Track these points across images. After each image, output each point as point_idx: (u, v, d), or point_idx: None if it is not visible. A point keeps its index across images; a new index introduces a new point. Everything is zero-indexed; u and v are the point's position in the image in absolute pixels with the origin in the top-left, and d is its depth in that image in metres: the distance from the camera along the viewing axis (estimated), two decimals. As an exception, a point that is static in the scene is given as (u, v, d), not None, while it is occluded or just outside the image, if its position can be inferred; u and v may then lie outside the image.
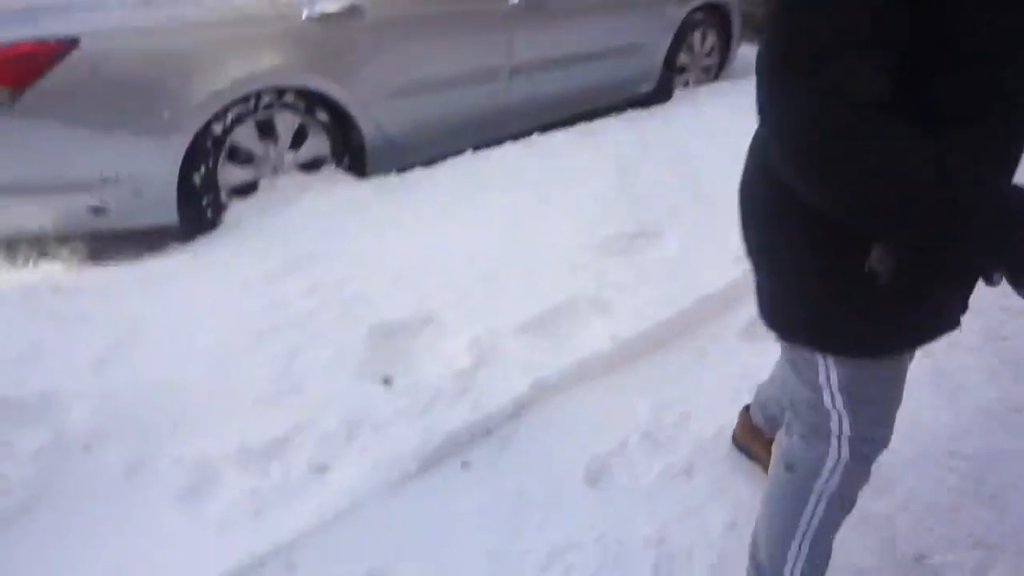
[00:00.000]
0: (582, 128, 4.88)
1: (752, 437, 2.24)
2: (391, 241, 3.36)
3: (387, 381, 2.57)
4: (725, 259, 3.22)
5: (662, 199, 3.82)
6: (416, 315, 2.88)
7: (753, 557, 1.73)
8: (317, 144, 3.90)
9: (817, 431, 1.48)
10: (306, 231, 3.40)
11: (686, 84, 6.09)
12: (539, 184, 3.94)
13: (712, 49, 6.18)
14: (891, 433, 1.48)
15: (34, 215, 3.25)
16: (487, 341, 2.74)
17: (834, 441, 1.45)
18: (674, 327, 2.95)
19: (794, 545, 1.55)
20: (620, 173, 4.04)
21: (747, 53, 6.21)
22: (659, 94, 5.82)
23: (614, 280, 3.15)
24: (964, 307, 1.37)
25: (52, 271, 3.12)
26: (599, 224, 3.54)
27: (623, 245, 3.44)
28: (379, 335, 2.76)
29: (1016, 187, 1.01)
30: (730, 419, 2.39)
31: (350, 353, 2.65)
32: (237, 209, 3.68)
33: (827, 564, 1.62)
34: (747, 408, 2.28)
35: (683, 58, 5.95)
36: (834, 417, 1.43)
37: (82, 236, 3.43)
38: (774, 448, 1.67)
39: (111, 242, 3.54)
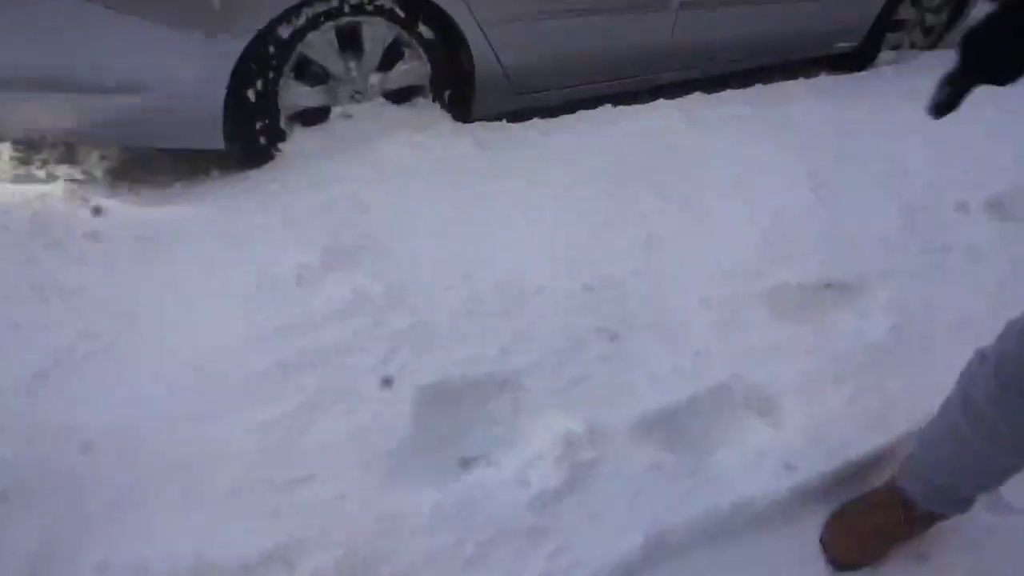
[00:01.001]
0: (758, 93, 3.66)
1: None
2: (484, 233, 2.41)
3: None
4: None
5: (867, 230, 2.67)
6: (491, 372, 1.96)
7: None
8: (413, 69, 2.92)
9: None
10: (378, 197, 2.48)
11: (896, 47, 4.64)
12: (696, 169, 2.85)
13: (944, 1, 4.65)
14: None
15: (54, 116, 2.45)
16: (587, 446, 1.80)
17: None
18: (878, 463, 1.91)
19: None
20: (811, 177, 2.88)
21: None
22: (859, 56, 4.44)
23: (787, 362, 2.11)
24: None
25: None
26: (769, 260, 2.46)
27: (803, 300, 2.37)
28: (430, 401, 1.88)
29: None
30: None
31: (383, 434, 1.77)
32: (298, 141, 2.79)
33: None
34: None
35: (904, 10, 4.48)
36: None
37: (105, 148, 2.66)
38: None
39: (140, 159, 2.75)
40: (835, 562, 1.71)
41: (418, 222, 2.39)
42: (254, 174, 2.67)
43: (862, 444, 1.89)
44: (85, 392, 1.79)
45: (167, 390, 1.79)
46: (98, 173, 2.73)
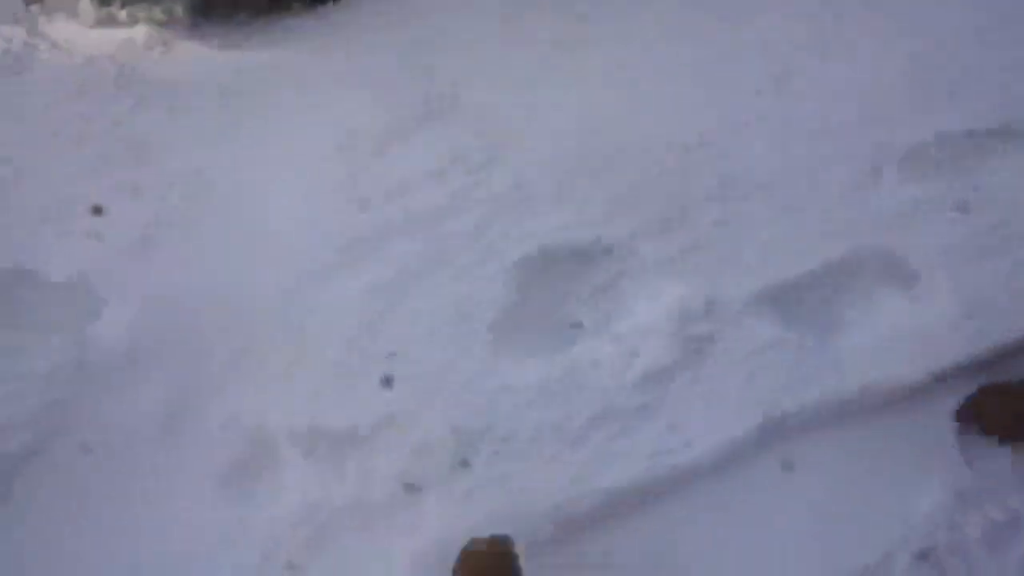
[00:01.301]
0: None
1: None
2: (585, 85, 2.16)
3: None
4: None
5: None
6: (597, 237, 1.83)
7: None
8: None
9: None
10: (467, 39, 2.24)
11: None
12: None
13: None
14: None
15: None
16: (702, 319, 1.69)
17: None
18: None
19: None
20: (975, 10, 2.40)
21: None
22: None
23: (929, 229, 1.87)
24: None
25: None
26: (912, 106, 2.12)
27: (951, 153, 2.06)
28: (532, 269, 1.77)
29: None
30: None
31: (486, 304, 1.70)
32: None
33: None
34: None
35: None
36: None
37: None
38: None
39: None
40: (984, 431, 1.58)
41: (512, 70, 2.16)
42: (334, 12, 2.45)
43: (1015, 325, 1.68)
44: (192, 256, 1.78)
45: (269, 256, 1.76)
46: (179, 11, 2.56)
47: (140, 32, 2.30)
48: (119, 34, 2.32)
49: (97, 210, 1.77)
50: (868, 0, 2.32)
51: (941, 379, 1.62)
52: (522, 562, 1.32)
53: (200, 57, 2.20)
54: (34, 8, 2.48)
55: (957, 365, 1.63)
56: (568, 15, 2.33)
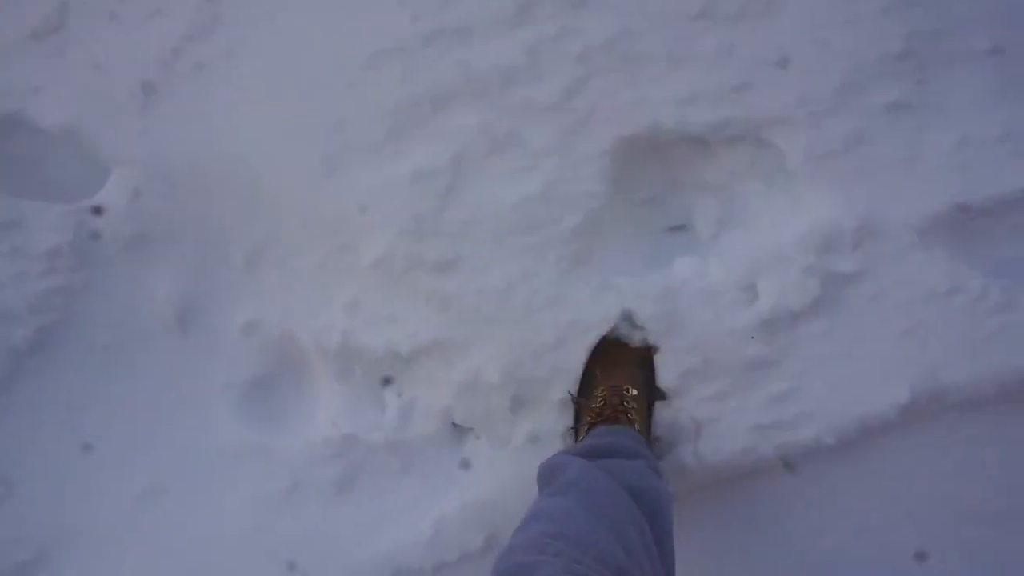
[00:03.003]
0: None
1: None
2: None
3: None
4: None
5: None
6: (724, 118, 1.37)
7: None
8: None
9: None
10: None
11: None
12: None
13: None
14: None
15: None
16: (850, 249, 1.27)
17: None
18: None
19: None
20: None
21: None
22: None
23: None
24: None
25: None
26: None
27: None
28: (631, 157, 1.36)
29: None
30: None
31: (564, 203, 1.32)
32: None
33: None
34: None
35: None
36: None
37: None
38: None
39: None
40: None
41: None
42: None
43: None
44: (208, 115, 1.44)
45: (299, 122, 1.40)
46: None
47: None
48: None
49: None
50: None
51: None
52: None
53: None
54: None
55: None
56: None
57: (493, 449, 1.29)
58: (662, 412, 1.28)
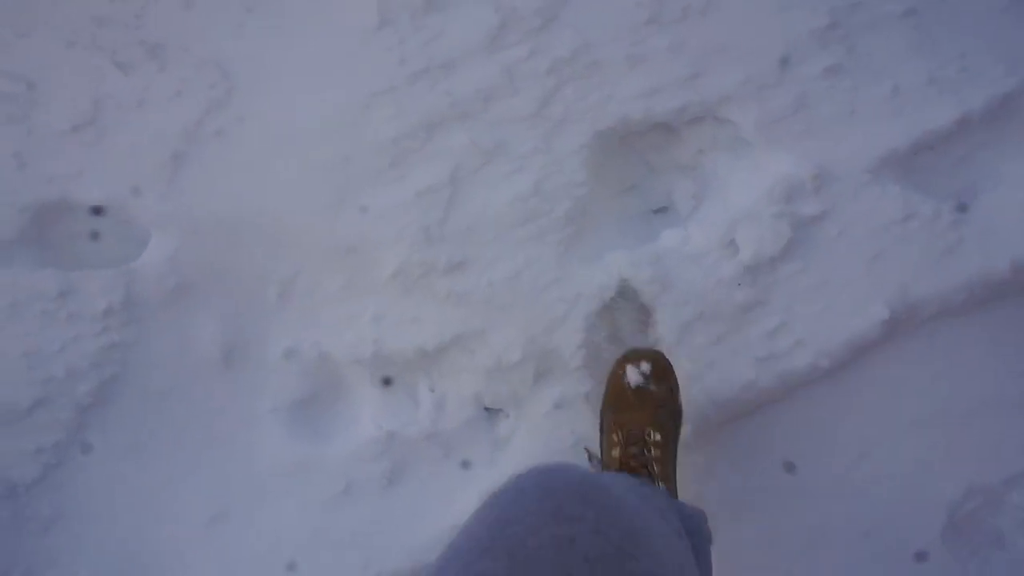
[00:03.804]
0: None
1: None
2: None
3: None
4: None
5: None
6: (682, 105, 1.56)
7: None
8: None
9: None
10: None
11: None
12: None
13: None
14: None
15: None
16: (811, 196, 1.43)
17: None
18: None
19: None
20: None
21: None
22: None
23: None
24: None
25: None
26: None
27: None
28: (608, 149, 1.54)
29: None
30: None
31: (554, 196, 1.49)
32: None
33: None
34: None
35: None
36: None
37: None
38: None
39: None
40: None
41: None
42: None
43: None
44: (229, 172, 1.63)
45: (310, 164, 1.59)
46: None
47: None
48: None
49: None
50: None
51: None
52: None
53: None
54: None
55: None
56: None
57: (524, 422, 1.42)
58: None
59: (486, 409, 1.46)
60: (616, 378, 1.26)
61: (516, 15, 1.64)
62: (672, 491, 1.14)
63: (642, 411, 1.18)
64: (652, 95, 1.57)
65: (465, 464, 1.44)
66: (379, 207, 1.55)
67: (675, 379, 1.26)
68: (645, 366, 1.24)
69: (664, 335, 1.40)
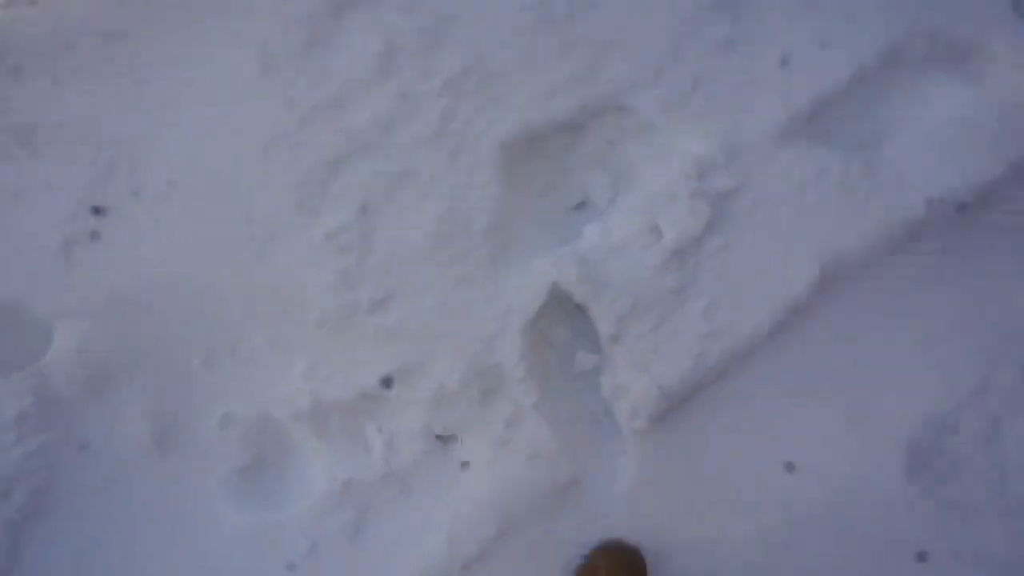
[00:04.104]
0: None
1: None
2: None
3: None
4: None
5: None
6: (583, 102, 1.55)
7: None
8: None
9: None
10: None
11: None
12: None
13: None
14: None
15: None
16: (723, 170, 1.43)
17: None
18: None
19: None
20: None
21: None
22: None
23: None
24: None
25: None
26: None
27: None
28: (515, 158, 1.52)
29: None
30: None
31: (470, 213, 1.46)
32: None
33: None
34: None
35: None
36: None
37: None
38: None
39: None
40: None
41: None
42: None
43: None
44: (134, 246, 1.55)
45: (217, 225, 1.53)
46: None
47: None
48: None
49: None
50: None
51: None
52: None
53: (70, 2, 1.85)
54: None
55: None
56: None
57: (479, 444, 1.38)
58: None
59: (438, 438, 1.41)
60: (591, 571, 1.28)
61: (402, 39, 1.62)
62: None
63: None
64: (551, 96, 1.56)
65: (427, 496, 1.39)
66: (291, 256, 1.50)
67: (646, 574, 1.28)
68: (618, 566, 1.26)
69: (602, 331, 1.38)
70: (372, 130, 1.54)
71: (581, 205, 1.59)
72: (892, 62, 1.50)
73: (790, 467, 1.33)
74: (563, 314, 1.44)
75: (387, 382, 1.43)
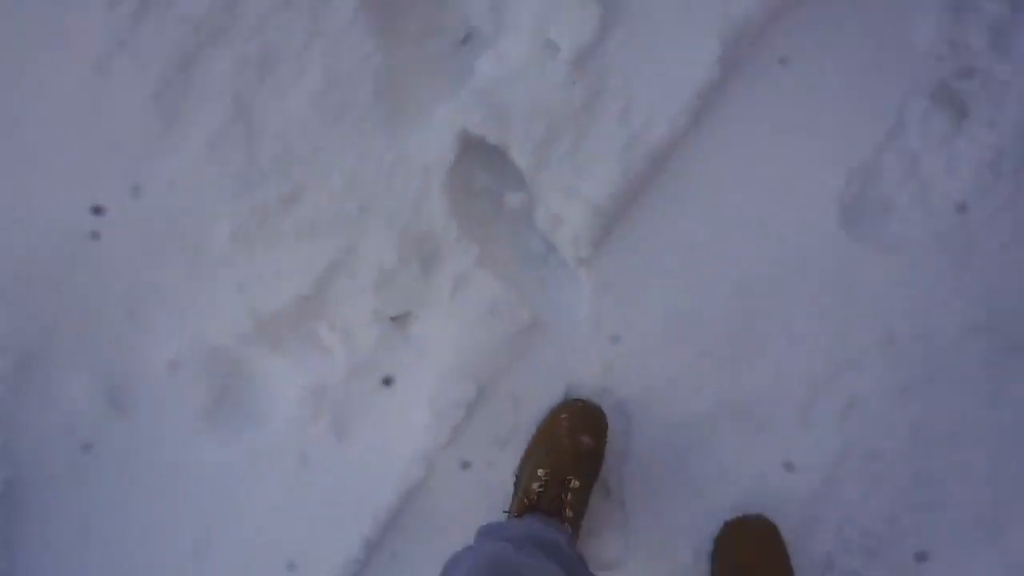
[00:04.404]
0: None
1: None
2: None
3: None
4: None
5: None
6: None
7: None
8: None
9: None
10: None
11: None
12: None
13: None
14: None
15: None
16: None
17: None
18: None
19: None
20: None
21: None
22: None
23: None
24: None
25: None
26: None
27: None
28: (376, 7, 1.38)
29: None
30: None
31: (349, 75, 1.35)
32: None
33: None
34: None
35: None
36: None
37: None
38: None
39: None
40: None
41: None
42: None
43: None
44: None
45: (72, 171, 1.37)
46: None
47: None
48: None
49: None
50: None
51: None
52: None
53: None
54: None
55: None
56: None
57: (434, 314, 1.37)
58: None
59: (392, 320, 1.40)
60: (551, 423, 1.32)
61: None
62: (577, 534, 1.26)
63: (570, 458, 1.27)
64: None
65: (387, 381, 1.39)
66: (178, 178, 1.37)
67: (606, 432, 1.32)
68: (581, 417, 1.31)
69: (523, 165, 1.34)
70: (214, 12, 1.36)
71: (467, 38, 1.47)
72: None
73: (737, 262, 1.35)
74: (480, 159, 1.38)
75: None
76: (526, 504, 1.24)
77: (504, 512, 1.30)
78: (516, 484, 1.32)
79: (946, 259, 1.34)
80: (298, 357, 1.41)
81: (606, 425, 1.32)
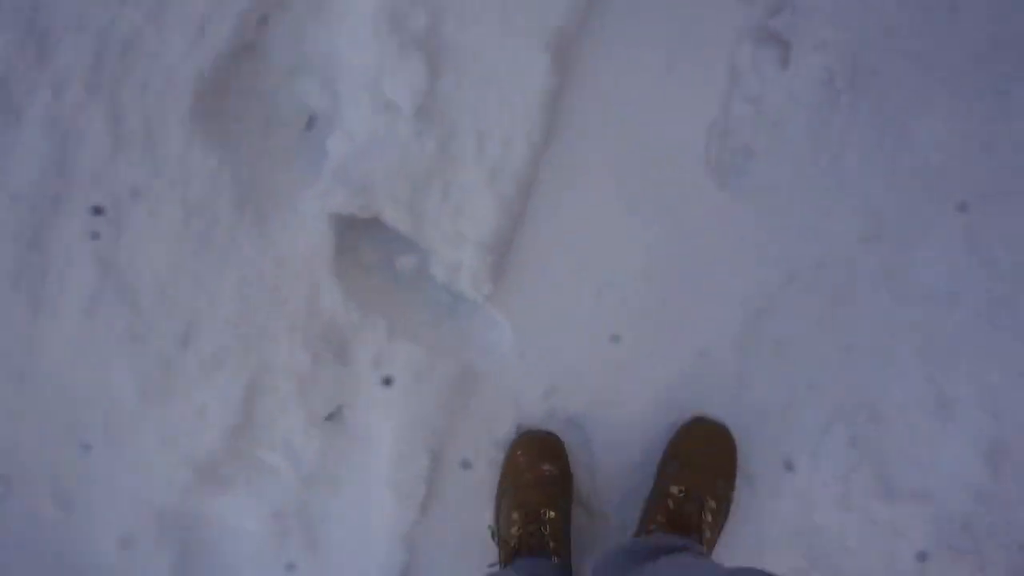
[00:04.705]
0: None
1: None
2: None
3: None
4: None
5: None
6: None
7: None
8: None
9: None
10: None
11: None
12: None
13: None
14: None
15: None
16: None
17: None
18: None
19: None
20: None
21: None
22: None
23: None
24: None
25: None
26: None
27: None
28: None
29: None
30: None
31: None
32: None
33: None
34: None
35: None
36: None
37: None
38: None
39: None
40: None
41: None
42: None
43: None
44: None
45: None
46: None
47: None
48: None
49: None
50: None
51: None
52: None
53: None
54: None
55: None
56: None
57: (365, 399, 1.35)
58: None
59: (327, 419, 1.36)
60: (510, 462, 1.32)
61: None
62: (569, 559, 1.26)
63: (537, 491, 1.26)
64: (203, 33, 1.37)
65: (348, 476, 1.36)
66: (61, 353, 1.32)
67: (566, 455, 1.33)
68: (535, 446, 1.31)
69: (403, 228, 1.33)
70: (48, 181, 1.31)
71: (311, 122, 1.46)
72: None
73: (633, 245, 1.37)
74: (360, 234, 1.37)
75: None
76: (510, 548, 1.23)
77: (489, 566, 1.28)
78: (495, 535, 1.31)
79: (817, 184, 1.40)
80: (248, 488, 1.36)
81: (562, 446, 1.32)
